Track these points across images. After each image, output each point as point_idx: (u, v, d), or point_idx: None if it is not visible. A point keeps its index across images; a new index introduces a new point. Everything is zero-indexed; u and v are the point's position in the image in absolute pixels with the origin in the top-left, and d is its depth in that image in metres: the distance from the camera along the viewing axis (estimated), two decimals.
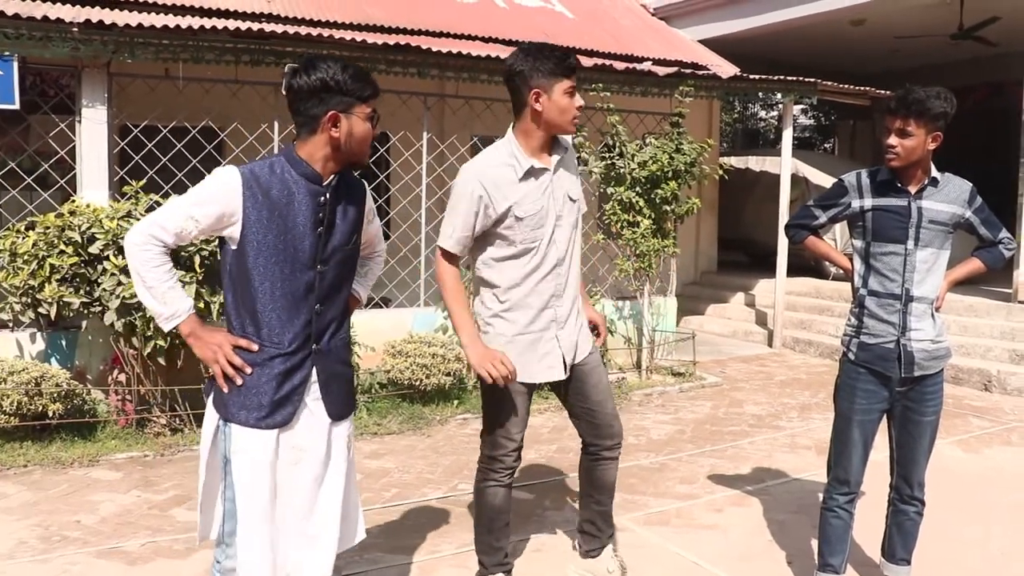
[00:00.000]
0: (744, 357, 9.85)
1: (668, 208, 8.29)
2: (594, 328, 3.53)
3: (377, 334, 7.20)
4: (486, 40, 9.55)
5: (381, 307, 8.30)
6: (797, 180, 12.56)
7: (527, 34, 10.20)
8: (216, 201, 2.51)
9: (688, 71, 9.46)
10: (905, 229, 3.28)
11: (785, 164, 10.46)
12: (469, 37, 9.46)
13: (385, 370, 6.91)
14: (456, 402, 7.03)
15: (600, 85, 8.44)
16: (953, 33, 12.01)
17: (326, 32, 7.47)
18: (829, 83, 10.53)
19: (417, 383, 6.82)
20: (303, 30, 7.48)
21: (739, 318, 11.64)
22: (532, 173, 3.15)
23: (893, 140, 3.23)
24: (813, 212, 3.54)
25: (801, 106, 23.62)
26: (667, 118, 8.64)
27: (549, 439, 6.33)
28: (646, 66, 9.25)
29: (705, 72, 10.03)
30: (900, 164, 3.26)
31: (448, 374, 6.93)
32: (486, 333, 3.26)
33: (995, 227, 3.46)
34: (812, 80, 10.27)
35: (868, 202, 3.35)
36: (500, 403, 3.34)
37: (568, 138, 3.33)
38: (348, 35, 7.56)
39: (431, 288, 8.43)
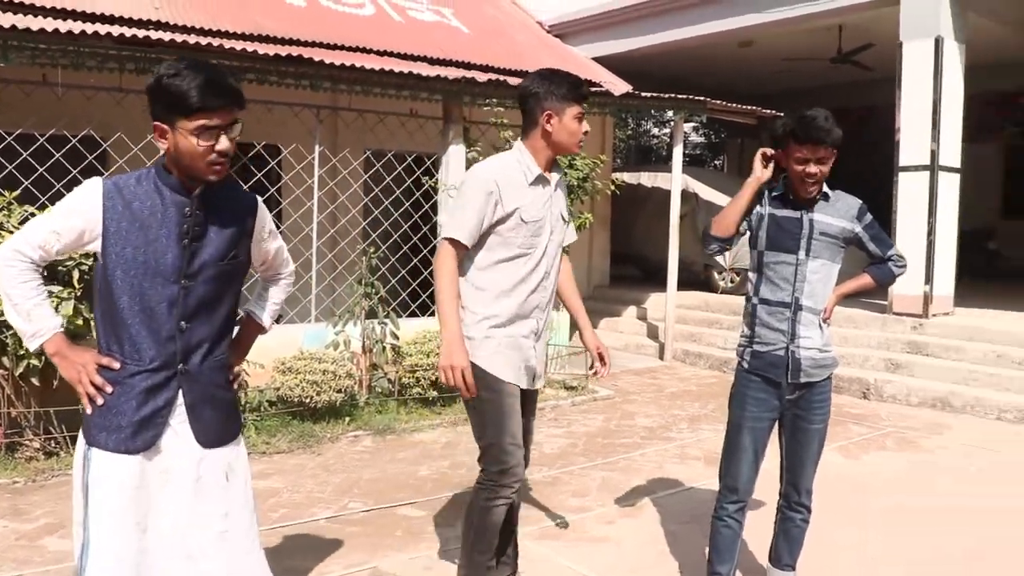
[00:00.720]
0: (636, 370, 9.92)
1: None
2: (600, 356, 3.57)
3: (266, 351, 7.01)
4: (380, 53, 9.49)
5: None
6: (688, 196, 12.74)
7: (422, 48, 10.17)
8: (77, 214, 2.40)
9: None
10: (797, 240, 3.35)
11: (676, 180, 10.60)
12: (363, 50, 9.38)
13: (275, 387, 6.73)
14: (347, 419, 6.90)
15: (495, 100, 8.44)
16: (833, 57, 12.45)
17: (216, 41, 7.27)
18: (718, 102, 10.74)
19: (307, 400, 6.68)
20: (192, 39, 7.26)
21: (631, 332, 11.70)
22: (540, 181, 3.28)
23: (813, 168, 3.29)
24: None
25: (692, 124, 24.29)
26: None
27: (442, 455, 6.27)
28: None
29: (598, 89, 10.15)
30: (817, 191, 3.34)
31: (339, 391, 6.81)
32: (471, 339, 3.23)
33: (884, 244, 3.52)
34: (702, 98, 10.48)
35: (766, 210, 3.43)
36: (498, 411, 3.27)
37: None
38: (239, 45, 7.39)
39: (322, 303, 8.29)
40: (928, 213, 9.35)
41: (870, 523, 4.98)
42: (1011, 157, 16.76)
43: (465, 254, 3.27)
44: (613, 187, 9.56)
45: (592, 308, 12.48)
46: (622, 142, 28.36)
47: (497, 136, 8.48)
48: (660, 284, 11.44)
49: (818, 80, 15.36)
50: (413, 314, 8.80)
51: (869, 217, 3.46)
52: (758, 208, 3.45)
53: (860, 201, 3.47)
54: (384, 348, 7.35)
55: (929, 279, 9.38)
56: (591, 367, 3.63)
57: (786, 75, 15.27)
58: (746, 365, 3.49)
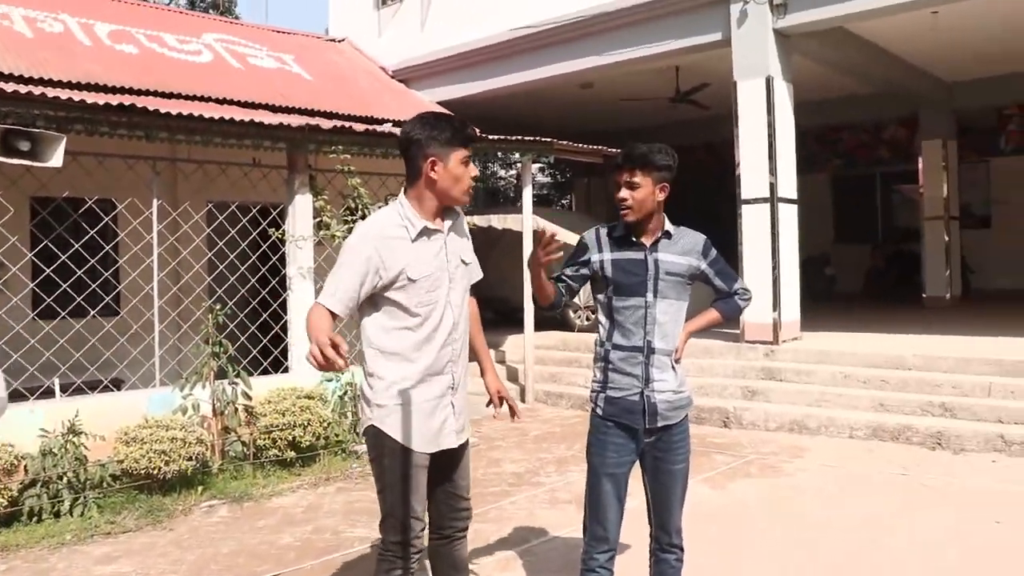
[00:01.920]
0: (498, 415, 9.80)
1: None
2: (500, 400, 3.48)
3: (107, 420, 6.55)
4: (220, 101, 9.23)
5: (112, 390, 7.61)
6: (538, 235, 12.75)
7: (263, 95, 9.93)
8: None
9: None
10: (644, 281, 3.33)
11: (527, 220, 10.70)
12: (202, 98, 9.10)
13: (118, 460, 6.28)
14: (201, 488, 6.51)
15: (340, 148, 8.29)
16: (672, 96, 12.86)
17: (38, 90, 6.82)
18: (564, 142, 10.85)
19: (155, 471, 6.26)
20: (10, 87, 6.80)
21: None
22: (425, 233, 3.15)
23: (624, 193, 3.32)
24: (562, 273, 3.54)
25: (539, 164, 24.61)
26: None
27: (304, 519, 5.96)
28: (386, 127, 9.19)
29: None
30: (634, 217, 3.33)
31: (190, 458, 6.42)
32: (380, 407, 3.13)
33: (730, 278, 3.53)
34: (548, 140, 10.55)
35: (607, 256, 3.40)
36: (404, 483, 3.13)
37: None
38: (65, 94, 6.96)
39: (167, 366, 7.85)
40: (771, 243, 9.63)
41: (744, 552, 5.00)
42: (839, 187, 17.76)
43: (367, 317, 3.17)
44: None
45: None
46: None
47: (345, 183, 8.27)
48: (517, 325, 11.41)
49: (660, 118, 15.73)
50: (265, 372, 8.52)
51: (714, 252, 3.48)
52: (596, 255, 3.41)
53: (703, 236, 3.48)
54: (236, 410, 7.06)
55: (777, 306, 9.63)
56: (489, 405, 3.55)
57: (629, 114, 15.61)
58: (600, 411, 3.44)
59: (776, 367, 9.28)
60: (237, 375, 7.07)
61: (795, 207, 10.00)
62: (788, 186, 9.86)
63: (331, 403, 7.71)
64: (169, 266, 8.52)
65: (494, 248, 14.05)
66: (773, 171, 9.62)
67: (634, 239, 3.38)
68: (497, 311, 14.92)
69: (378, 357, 3.17)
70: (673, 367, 3.40)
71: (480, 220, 14.31)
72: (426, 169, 3.15)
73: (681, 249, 3.41)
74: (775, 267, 9.64)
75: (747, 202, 9.80)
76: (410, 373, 3.15)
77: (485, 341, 3.61)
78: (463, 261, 3.32)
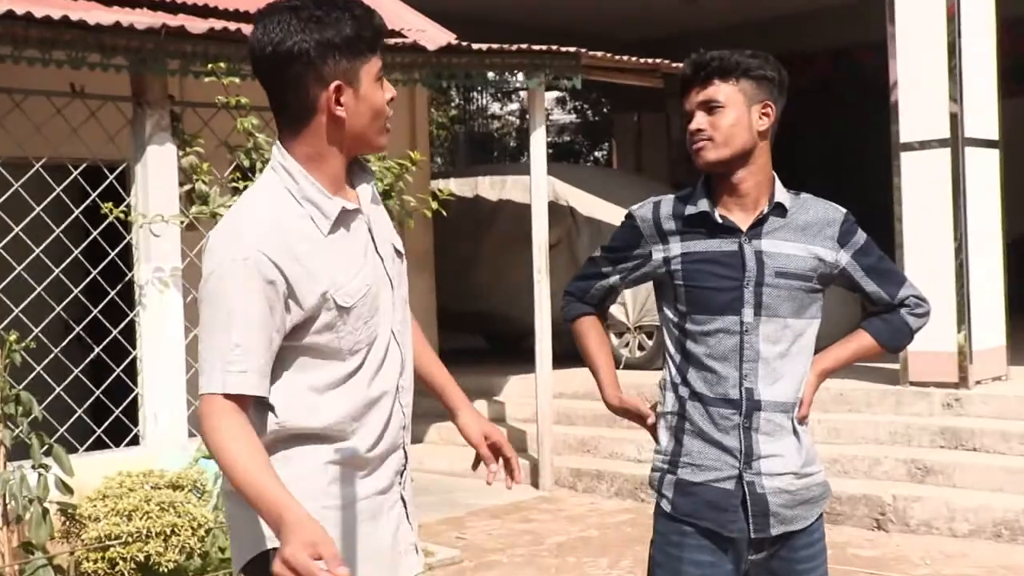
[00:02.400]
0: (495, 509, 9.79)
1: None
2: (495, 451, 3.46)
3: None
4: None
5: None
6: (558, 211, 12.80)
7: None
8: None
9: None
10: (737, 290, 3.39)
11: (537, 186, 10.58)
12: None
13: None
14: None
15: (222, 66, 8.20)
16: None
17: None
18: (598, 54, 10.74)
19: None
20: None
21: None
22: (342, 221, 3.10)
23: (700, 120, 3.37)
24: (599, 268, 3.67)
25: (557, 93, 24.48)
26: None
27: None
28: None
29: (400, 42, 10.05)
30: (716, 155, 3.38)
31: None
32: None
33: (891, 279, 3.60)
34: (571, 50, 10.47)
35: (675, 248, 3.48)
36: None
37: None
38: None
39: None
40: (953, 216, 9.59)
41: None
42: None
43: (279, 387, 3.10)
44: (434, 203, 9.27)
45: (413, 408, 12.16)
46: (443, 129, 28.35)
47: (233, 127, 8.21)
48: (524, 360, 11.44)
49: (754, 12, 15.80)
50: (99, 444, 8.54)
51: (861, 236, 3.54)
52: (657, 248, 3.53)
53: (843, 210, 3.55)
54: (46, 512, 6.90)
55: (964, 324, 9.55)
56: (477, 465, 3.51)
57: (702, 6, 15.63)
58: (669, 506, 3.50)
59: (965, 427, 9.14)
60: (48, 452, 6.96)
61: (996, 153, 9.97)
62: (984, 119, 9.84)
63: (212, 497, 7.65)
64: None
65: (484, 232, 14.05)
66: (957, 94, 9.53)
67: (720, 217, 3.42)
68: (490, 335, 14.75)
69: (287, 439, 3.10)
70: (795, 432, 3.46)
71: (460, 185, 14.36)
72: (327, 102, 3.01)
73: (803, 231, 3.46)
74: (961, 258, 9.59)
75: (908, 147, 9.79)
76: (341, 457, 3.12)
77: (441, 363, 3.62)
78: (397, 251, 3.27)
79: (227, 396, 2.93)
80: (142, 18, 8.49)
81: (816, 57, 16.45)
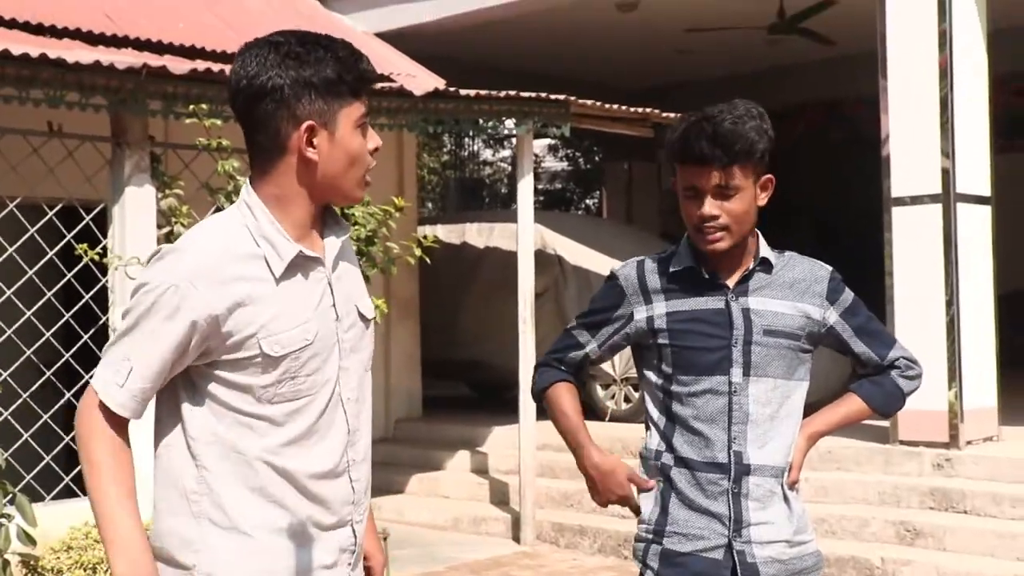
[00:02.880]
0: (474, 564, 9.73)
1: None
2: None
3: None
4: None
5: None
6: (546, 260, 12.80)
7: (76, 16, 10.17)
8: None
9: None
10: (725, 348, 3.36)
11: (524, 233, 10.60)
12: None
13: None
14: None
15: (203, 107, 8.12)
16: (772, 24, 12.57)
17: None
18: (589, 102, 10.77)
19: None
20: None
21: (463, 496, 11.59)
22: (299, 266, 3.00)
23: (711, 207, 3.31)
24: (574, 337, 3.64)
25: (549, 140, 24.44)
26: None
27: None
28: None
29: (388, 86, 10.13)
30: (730, 243, 3.36)
31: None
32: None
33: (881, 340, 3.58)
34: (561, 97, 10.54)
35: (660, 307, 3.45)
36: None
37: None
38: None
39: None
40: (944, 272, 9.53)
41: None
42: None
43: (186, 404, 3.02)
44: (419, 251, 9.16)
45: (394, 458, 12.56)
46: (433, 174, 28.31)
47: (213, 168, 8.11)
48: (508, 409, 11.41)
49: (748, 63, 15.84)
50: (67, 493, 8.44)
51: (849, 295, 3.53)
52: (641, 309, 3.49)
53: (829, 267, 3.55)
54: (6, 564, 6.75)
55: (955, 382, 9.49)
56: None
57: (696, 57, 15.67)
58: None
59: (956, 488, 9.07)
60: (11, 501, 6.74)
61: (988, 209, 9.95)
62: (976, 174, 9.82)
63: None
64: None
65: (470, 279, 14.11)
66: (949, 150, 9.52)
67: (706, 274, 3.40)
68: (475, 383, 14.62)
69: (213, 495, 2.97)
70: (786, 498, 3.42)
71: (447, 232, 14.30)
72: (297, 142, 2.93)
73: (791, 288, 3.45)
74: (952, 314, 9.54)
75: (900, 202, 9.76)
76: (274, 526, 3.01)
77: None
78: (361, 315, 3.14)
79: (104, 407, 2.90)
80: (124, 58, 8.53)
81: (809, 110, 16.43)
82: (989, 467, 9.12)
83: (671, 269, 3.43)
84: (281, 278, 2.97)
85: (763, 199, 3.38)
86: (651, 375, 3.46)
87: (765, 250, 3.42)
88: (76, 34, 9.86)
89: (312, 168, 2.96)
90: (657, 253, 3.54)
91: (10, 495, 6.70)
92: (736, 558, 3.34)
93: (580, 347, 3.61)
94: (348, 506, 3.09)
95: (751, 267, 3.40)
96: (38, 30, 9.59)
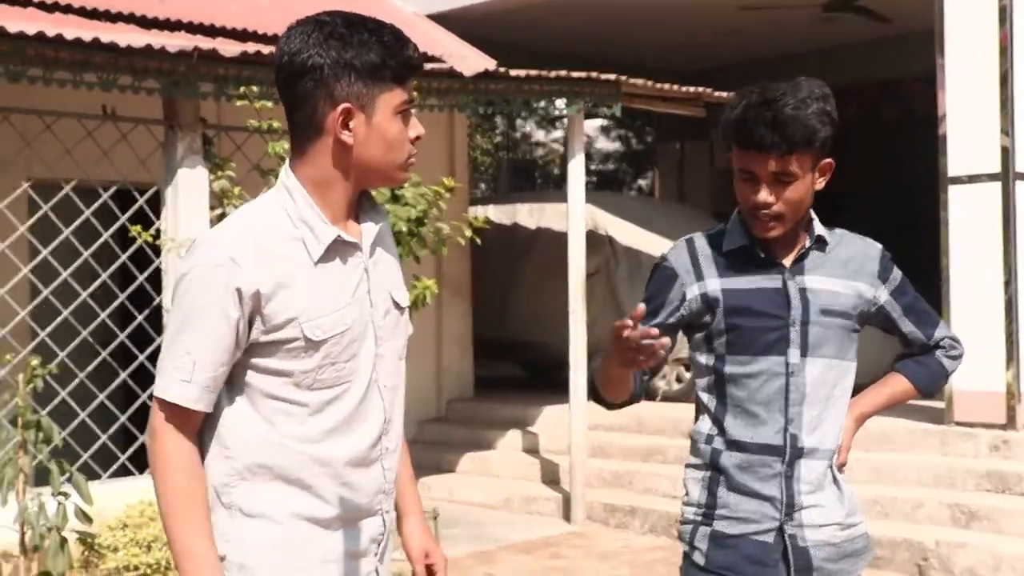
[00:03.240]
0: (525, 544, 9.69)
1: None
2: (430, 573, 3.35)
3: None
4: (50, 7, 9.39)
5: None
6: (597, 240, 12.82)
7: (126, 2, 10.11)
8: None
9: None
10: (783, 328, 3.32)
11: (574, 214, 10.62)
12: (16, 1, 9.26)
13: None
14: None
15: (254, 89, 8.22)
16: (828, 1, 12.45)
17: None
18: (641, 81, 10.75)
19: None
20: None
21: (514, 475, 11.58)
22: (336, 251, 2.99)
23: (766, 195, 3.25)
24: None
25: (599, 121, 24.42)
26: None
27: None
28: None
29: (438, 67, 10.08)
30: (781, 232, 3.32)
31: None
32: (246, 569, 2.98)
33: (927, 319, 3.54)
34: (611, 77, 10.48)
35: (714, 284, 3.39)
36: None
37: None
38: None
39: None
40: (1004, 251, 9.53)
41: None
42: None
43: (230, 414, 3.00)
44: (470, 232, 9.16)
45: (446, 438, 12.62)
46: (486, 155, 28.30)
47: (264, 151, 8.19)
48: (559, 390, 11.40)
49: (801, 43, 15.70)
50: (123, 472, 8.53)
51: (898, 273, 3.51)
52: (693, 287, 3.41)
53: (879, 245, 3.50)
54: (64, 541, 6.79)
55: (1013, 362, 9.45)
56: None
57: (749, 36, 15.58)
58: (702, 560, 3.41)
59: (1013, 471, 8.98)
60: (68, 480, 6.90)
61: None
62: None
63: None
64: None
65: (522, 260, 14.09)
66: (1008, 127, 9.45)
67: (762, 253, 3.36)
68: (526, 364, 14.64)
69: (246, 479, 2.99)
70: (836, 480, 3.39)
71: (498, 213, 14.32)
72: (333, 125, 2.90)
73: (845, 266, 3.41)
74: (1010, 294, 9.51)
75: (956, 181, 9.73)
76: (304, 511, 3.00)
77: (407, 455, 3.43)
78: (396, 303, 3.13)
79: (174, 408, 2.88)
80: (175, 41, 8.57)
81: (862, 89, 16.36)
82: None
83: (725, 248, 3.39)
84: (319, 262, 2.96)
85: (821, 183, 3.32)
86: (704, 357, 3.42)
87: (819, 228, 3.38)
88: (129, 18, 9.90)
89: (348, 151, 2.95)
90: (706, 230, 3.49)
91: (67, 474, 6.84)
92: (788, 542, 3.32)
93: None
94: (380, 495, 3.09)
95: (807, 245, 3.35)
96: (92, 15, 9.65)
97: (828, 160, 3.29)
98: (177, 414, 2.88)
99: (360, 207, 3.10)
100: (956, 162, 9.62)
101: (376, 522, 3.08)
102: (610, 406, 3.42)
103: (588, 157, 11.94)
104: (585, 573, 8.70)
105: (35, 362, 7.05)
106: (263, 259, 2.91)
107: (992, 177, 9.47)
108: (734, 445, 3.36)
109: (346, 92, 2.91)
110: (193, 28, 10.12)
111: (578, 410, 10.43)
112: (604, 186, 25.55)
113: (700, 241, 3.44)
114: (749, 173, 3.25)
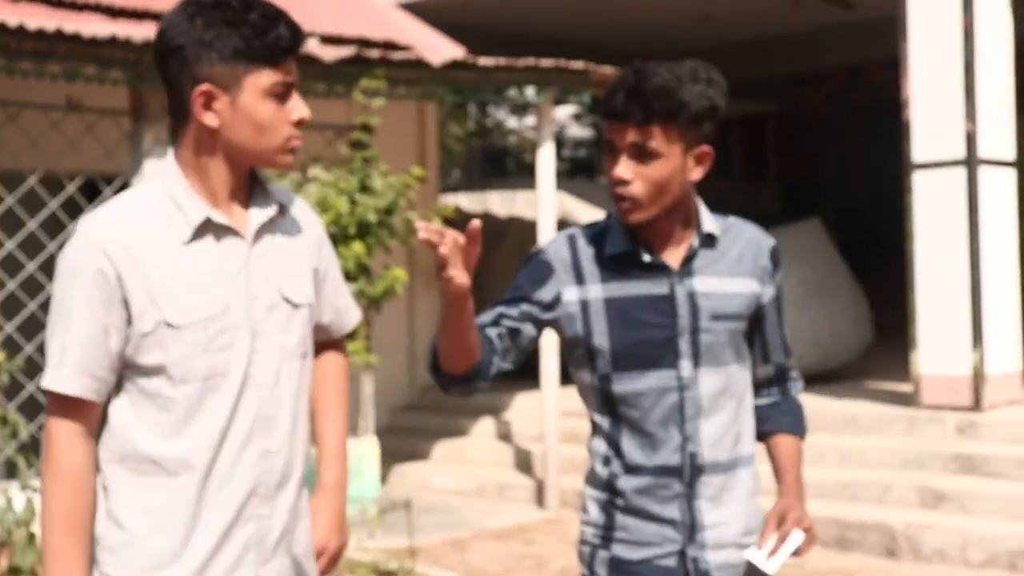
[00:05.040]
0: (499, 530, 9.71)
1: (353, 288, 8.12)
2: (326, 560, 3.24)
3: None
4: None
5: None
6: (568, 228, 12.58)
7: None
8: None
9: (377, 54, 9.66)
10: (672, 339, 3.11)
11: (544, 201, 10.61)
12: None
13: None
14: None
15: None
16: None
17: None
18: (608, 69, 10.74)
19: None
20: None
21: (488, 462, 11.62)
22: (210, 231, 2.90)
23: (623, 169, 3.02)
24: (490, 314, 3.24)
25: (570, 107, 24.37)
26: (343, 134, 8.77)
27: None
28: (307, 46, 9.09)
29: (406, 56, 10.13)
30: (642, 216, 3.07)
31: None
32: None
33: (784, 338, 3.36)
34: (581, 65, 10.50)
35: (595, 291, 3.16)
36: None
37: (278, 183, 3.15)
38: None
39: None
40: (969, 236, 9.53)
41: None
42: None
43: (111, 424, 2.92)
44: (437, 220, 9.21)
45: (419, 425, 12.56)
46: (459, 142, 28.24)
47: None
48: (531, 377, 11.27)
49: (769, 28, 15.77)
50: None
51: (779, 276, 3.30)
52: (570, 290, 3.17)
53: (772, 239, 3.29)
54: (32, 536, 6.81)
55: (979, 345, 9.48)
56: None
57: (718, 24, 15.64)
58: None
59: (979, 453, 9.02)
60: (36, 474, 6.57)
61: (1012, 172, 9.93)
62: (1000, 138, 9.79)
63: None
64: None
65: (493, 247, 13.93)
66: (972, 113, 9.48)
67: (647, 256, 3.10)
68: None
69: (128, 480, 2.89)
70: (743, 492, 3.22)
71: (469, 202, 14.31)
72: (196, 106, 2.84)
73: (739, 263, 3.20)
74: (975, 278, 9.53)
75: (922, 167, 9.79)
76: (166, 518, 2.89)
77: (342, 433, 3.31)
78: (286, 299, 2.97)
79: (56, 398, 2.78)
80: (141, 30, 8.45)
81: (829, 75, 16.43)
82: (1013, 431, 9.10)
83: (606, 246, 3.16)
84: (189, 243, 2.89)
85: (696, 173, 3.09)
86: (586, 375, 3.22)
87: (708, 223, 3.17)
88: (96, 7, 9.83)
89: (214, 134, 2.88)
90: (588, 228, 3.25)
91: (35, 468, 6.75)
92: (689, 566, 3.17)
93: (495, 325, 3.19)
94: (253, 497, 2.95)
95: (695, 245, 3.14)
96: (58, 4, 9.58)
97: (706, 148, 3.07)
98: (59, 404, 2.79)
99: (253, 191, 3.03)
100: (921, 148, 9.69)
101: (249, 528, 2.95)
102: (450, 383, 3.09)
103: (559, 144, 11.95)
104: (559, 559, 8.65)
105: (1, 356, 7.01)
106: (127, 239, 2.83)
107: (956, 163, 9.54)
108: (632, 469, 3.19)
109: (207, 73, 2.84)
110: (160, 17, 9.97)
111: (549, 397, 10.47)
112: (577, 173, 25.54)
113: (581, 240, 3.22)
114: (610, 144, 3.07)
